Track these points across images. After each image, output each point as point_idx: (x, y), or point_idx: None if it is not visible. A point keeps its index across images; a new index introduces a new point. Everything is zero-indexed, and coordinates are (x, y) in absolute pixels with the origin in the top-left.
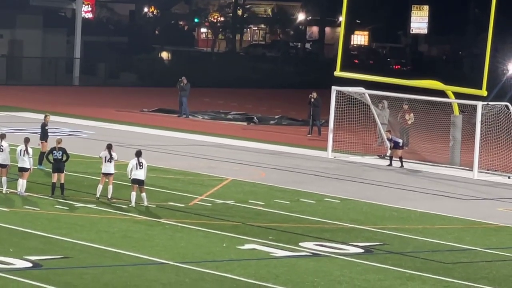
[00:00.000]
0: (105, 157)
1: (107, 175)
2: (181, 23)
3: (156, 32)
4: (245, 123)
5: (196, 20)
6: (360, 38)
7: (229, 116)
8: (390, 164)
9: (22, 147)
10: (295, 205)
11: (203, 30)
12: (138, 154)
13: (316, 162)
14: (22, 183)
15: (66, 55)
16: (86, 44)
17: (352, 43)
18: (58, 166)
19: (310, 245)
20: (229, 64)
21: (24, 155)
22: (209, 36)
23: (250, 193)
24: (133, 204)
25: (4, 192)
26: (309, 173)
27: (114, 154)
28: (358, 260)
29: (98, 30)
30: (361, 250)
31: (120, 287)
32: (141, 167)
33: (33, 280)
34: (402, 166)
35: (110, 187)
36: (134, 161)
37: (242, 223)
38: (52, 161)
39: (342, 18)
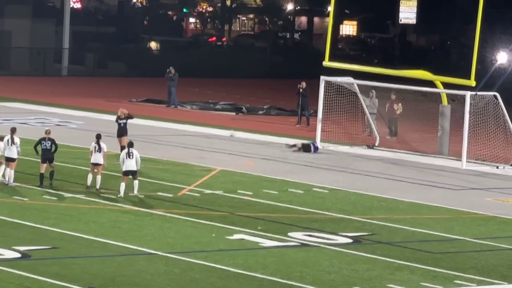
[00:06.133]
0: (94, 147)
1: (96, 165)
2: (169, 13)
3: (145, 22)
4: (233, 113)
5: (184, 10)
6: (348, 28)
7: (218, 106)
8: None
9: (8, 136)
10: (284, 195)
11: (191, 20)
12: (130, 145)
13: (304, 152)
14: (9, 173)
15: (55, 45)
16: (75, 34)
17: (340, 33)
18: (48, 157)
19: (299, 235)
20: (217, 54)
21: (11, 145)
22: (198, 26)
23: (238, 183)
24: (121, 194)
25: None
26: (297, 163)
27: (103, 145)
28: (347, 250)
29: (87, 20)
30: (350, 240)
31: (108, 277)
32: (131, 158)
33: (21, 271)
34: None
35: (99, 177)
36: (124, 152)
37: (231, 213)
38: (40, 151)
39: (330, 8)
